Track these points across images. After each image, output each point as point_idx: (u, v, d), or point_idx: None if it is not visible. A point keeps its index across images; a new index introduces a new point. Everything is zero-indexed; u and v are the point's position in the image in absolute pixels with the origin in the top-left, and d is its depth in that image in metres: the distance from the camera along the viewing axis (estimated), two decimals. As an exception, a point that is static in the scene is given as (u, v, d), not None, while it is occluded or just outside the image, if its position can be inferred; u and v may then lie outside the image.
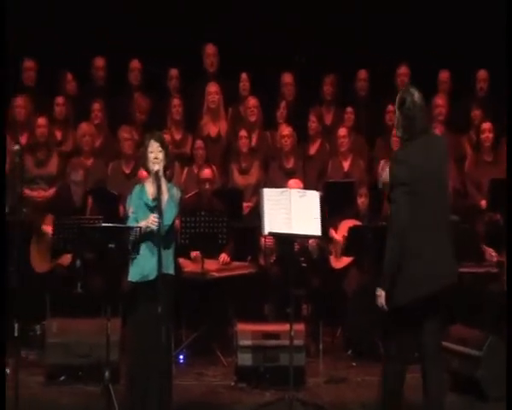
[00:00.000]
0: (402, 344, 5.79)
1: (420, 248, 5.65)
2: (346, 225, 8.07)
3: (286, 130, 8.90)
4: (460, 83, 9.48)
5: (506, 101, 8.26)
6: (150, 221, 5.98)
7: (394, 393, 5.87)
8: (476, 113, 9.20)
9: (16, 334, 6.13)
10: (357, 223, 8.09)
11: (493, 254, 7.95)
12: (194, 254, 8.07)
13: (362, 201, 8.30)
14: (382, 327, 6.46)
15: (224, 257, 8.20)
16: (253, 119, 9.17)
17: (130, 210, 6.20)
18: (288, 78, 9.44)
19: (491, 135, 8.87)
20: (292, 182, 8.04)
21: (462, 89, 9.49)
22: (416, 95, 5.88)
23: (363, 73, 9.50)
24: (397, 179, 5.79)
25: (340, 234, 8.19)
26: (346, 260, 8.24)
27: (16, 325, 6.12)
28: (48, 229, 8.03)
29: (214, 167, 8.67)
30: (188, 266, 8.01)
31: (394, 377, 5.86)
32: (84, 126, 8.95)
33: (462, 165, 8.97)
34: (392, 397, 5.89)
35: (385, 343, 6.04)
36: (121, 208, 8.00)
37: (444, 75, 9.43)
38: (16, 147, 6.98)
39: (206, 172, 8.40)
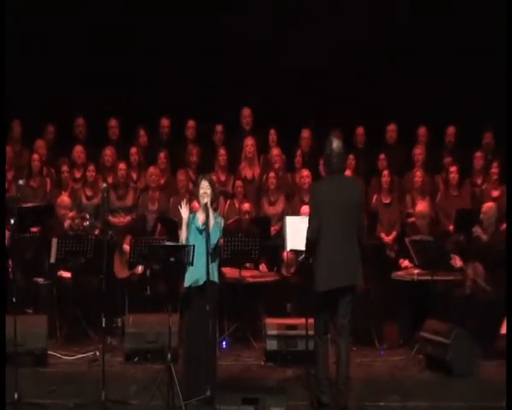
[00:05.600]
0: (325, 322, 5.93)
1: (330, 251, 5.78)
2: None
3: (305, 172, 8.77)
4: (435, 136, 9.30)
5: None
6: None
7: (324, 356, 5.97)
8: (447, 160, 9.06)
9: (103, 325, 6.15)
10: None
11: (458, 260, 7.73)
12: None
13: None
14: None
15: (263, 267, 8.24)
16: (277, 165, 9.05)
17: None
18: (305, 133, 9.30)
19: (457, 176, 8.71)
20: (304, 208, 7.93)
21: (437, 141, 9.30)
22: (335, 143, 5.88)
23: (360, 130, 9.37)
24: (310, 203, 6.04)
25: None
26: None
27: (104, 319, 6.13)
28: (126, 248, 8.08)
29: (250, 201, 8.65)
30: (229, 273, 7.92)
31: (321, 349, 5.95)
32: (151, 169, 8.90)
33: (435, 198, 8.81)
34: (322, 366, 5.95)
35: (315, 323, 6.03)
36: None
37: (422, 130, 9.26)
38: (104, 185, 7.10)
39: (246, 206, 8.48)
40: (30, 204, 8.34)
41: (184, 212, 6.13)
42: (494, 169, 8.68)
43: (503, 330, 7.35)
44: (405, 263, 8.03)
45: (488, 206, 7.97)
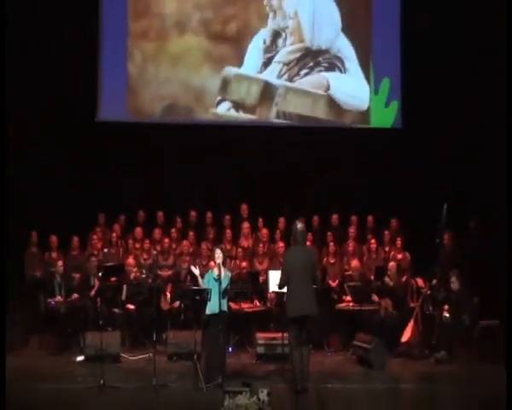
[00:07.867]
0: (295, 337, 5.97)
1: (296, 292, 5.93)
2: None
3: (281, 244, 8.79)
4: (362, 221, 9.35)
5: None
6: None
7: (297, 361, 5.92)
8: (369, 236, 9.15)
9: (154, 338, 6.38)
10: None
11: (376, 297, 7.95)
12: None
13: None
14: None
15: (255, 302, 8.18)
16: (264, 239, 9.15)
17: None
18: (281, 220, 9.30)
19: (375, 245, 8.84)
20: None
21: (363, 224, 9.35)
22: (299, 226, 6.01)
23: (316, 218, 9.37)
24: (282, 263, 6.12)
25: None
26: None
27: (154, 334, 6.37)
28: (168, 293, 8.17)
29: (247, 261, 8.73)
30: (233, 306, 7.80)
31: (295, 354, 5.94)
32: (184, 242, 8.91)
33: (363, 259, 8.89)
34: (297, 364, 5.92)
35: (289, 338, 6.01)
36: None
37: (354, 218, 9.32)
38: (154, 252, 7.41)
39: (244, 264, 8.49)
40: (110, 264, 8.23)
41: (196, 272, 6.27)
42: (398, 241, 8.85)
43: (403, 339, 7.64)
44: (347, 298, 8.06)
45: (392, 265, 8.17)
